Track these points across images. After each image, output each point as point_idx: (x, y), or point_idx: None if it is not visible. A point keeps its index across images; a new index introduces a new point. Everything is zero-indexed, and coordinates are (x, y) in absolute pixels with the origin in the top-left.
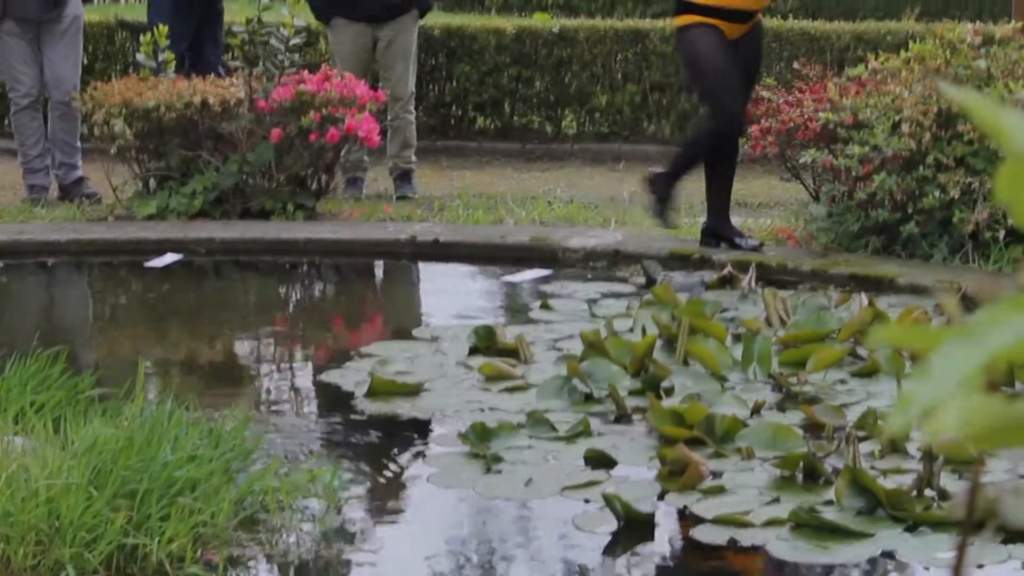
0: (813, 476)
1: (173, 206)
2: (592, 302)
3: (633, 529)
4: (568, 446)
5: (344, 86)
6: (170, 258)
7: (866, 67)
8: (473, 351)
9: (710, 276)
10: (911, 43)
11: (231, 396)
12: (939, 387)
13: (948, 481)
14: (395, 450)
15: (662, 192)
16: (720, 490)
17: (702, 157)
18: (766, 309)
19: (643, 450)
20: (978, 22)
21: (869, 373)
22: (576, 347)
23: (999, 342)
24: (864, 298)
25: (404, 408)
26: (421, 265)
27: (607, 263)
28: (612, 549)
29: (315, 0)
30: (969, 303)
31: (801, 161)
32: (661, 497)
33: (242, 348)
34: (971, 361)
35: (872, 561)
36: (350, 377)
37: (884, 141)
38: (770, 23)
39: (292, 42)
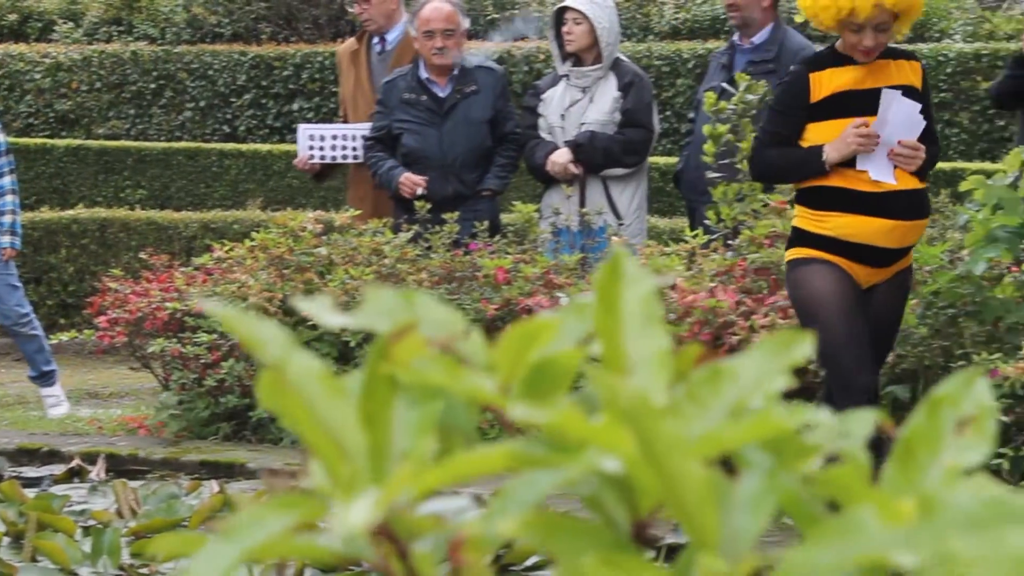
0: None
1: None
2: None
3: None
4: None
5: None
6: None
7: (212, 255)
8: None
9: (59, 469)
10: (256, 232)
11: None
12: None
13: None
14: None
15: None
16: None
17: None
18: (117, 500)
19: None
20: (319, 211)
21: None
22: None
23: (252, 541)
24: (215, 485)
25: None
26: None
27: None
28: None
29: None
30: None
31: (150, 350)
32: None
33: None
34: (226, 559)
35: None
36: None
37: None
38: (117, 213)
39: None
